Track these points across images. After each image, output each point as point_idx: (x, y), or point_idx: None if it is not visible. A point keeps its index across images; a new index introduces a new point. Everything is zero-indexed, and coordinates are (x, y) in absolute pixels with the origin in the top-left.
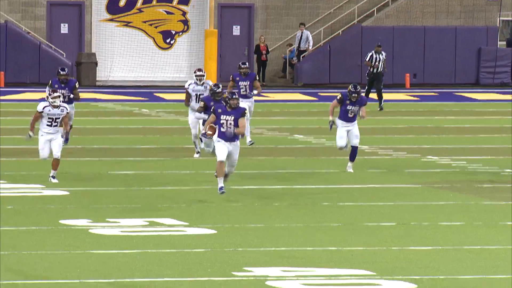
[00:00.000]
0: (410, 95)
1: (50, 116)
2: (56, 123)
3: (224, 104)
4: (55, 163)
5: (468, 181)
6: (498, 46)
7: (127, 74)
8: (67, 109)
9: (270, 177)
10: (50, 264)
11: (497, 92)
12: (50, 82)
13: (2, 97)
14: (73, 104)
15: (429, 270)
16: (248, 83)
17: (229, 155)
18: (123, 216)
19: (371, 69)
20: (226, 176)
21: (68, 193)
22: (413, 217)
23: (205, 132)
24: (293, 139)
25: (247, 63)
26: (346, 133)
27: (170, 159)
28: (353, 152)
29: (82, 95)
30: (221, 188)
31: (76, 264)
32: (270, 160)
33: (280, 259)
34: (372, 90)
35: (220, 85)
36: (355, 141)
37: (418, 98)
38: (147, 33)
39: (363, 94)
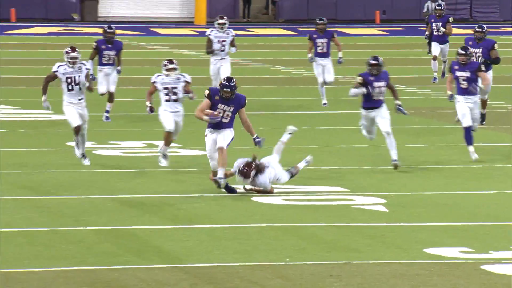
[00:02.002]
0: (380, 30)
1: (68, 76)
2: (78, 85)
3: (220, 94)
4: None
5: (431, 107)
6: None
7: (126, 11)
8: (86, 66)
9: (254, 105)
10: (58, 181)
11: (457, 27)
12: (95, 44)
13: (15, 31)
14: (120, 68)
15: (397, 187)
16: (326, 40)
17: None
18: (124, 139)
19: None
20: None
21: None
22: (382, 140)
23: (210, 117)
24: (275, 70)
25: (324, 19)
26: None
27: None
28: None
29: (86, 30)
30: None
31: (81, 182)
32: (254, 89)
33: None
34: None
35: None
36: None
37: (387, 33)
38: None
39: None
